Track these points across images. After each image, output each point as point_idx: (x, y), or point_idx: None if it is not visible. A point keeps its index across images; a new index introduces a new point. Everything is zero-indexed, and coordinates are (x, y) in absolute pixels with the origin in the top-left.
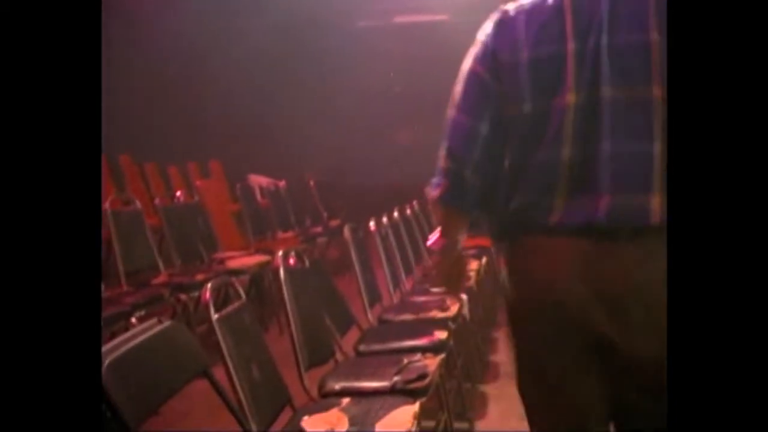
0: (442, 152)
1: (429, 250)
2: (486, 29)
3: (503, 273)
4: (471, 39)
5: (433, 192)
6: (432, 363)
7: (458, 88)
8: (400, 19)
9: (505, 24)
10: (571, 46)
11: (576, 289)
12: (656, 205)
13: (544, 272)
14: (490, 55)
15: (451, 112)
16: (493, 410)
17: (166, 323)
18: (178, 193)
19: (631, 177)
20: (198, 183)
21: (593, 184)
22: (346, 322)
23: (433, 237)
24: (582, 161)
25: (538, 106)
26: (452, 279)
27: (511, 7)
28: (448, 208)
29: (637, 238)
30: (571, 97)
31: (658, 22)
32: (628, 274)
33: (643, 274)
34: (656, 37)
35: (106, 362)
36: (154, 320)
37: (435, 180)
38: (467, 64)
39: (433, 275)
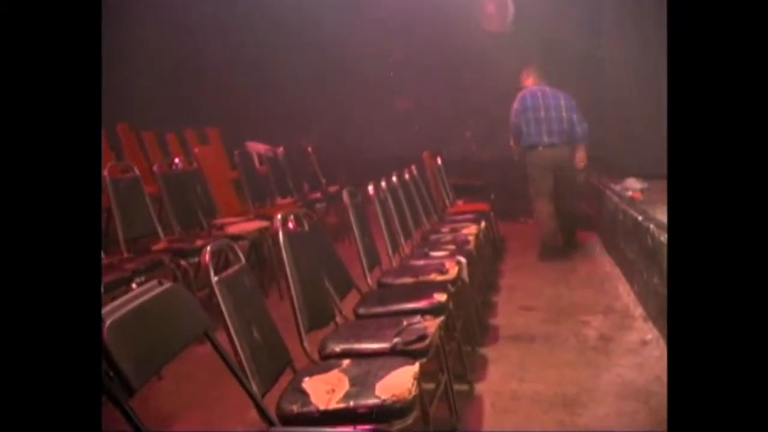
0: (510, 129)
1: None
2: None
3: (527, 160)
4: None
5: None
6: (431, 325)
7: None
8: None
9: (524, 96)
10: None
11: (548, 159)
12: (570, 135)
13: (539, 157)
14: (521, 102)
15: (511, 118)
16: (493, 372)
17: (167, 284)
18: (177, 160)
19: (563, 132)
20: (196, 150)
21: (552, 133)
22: (345, 285)
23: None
24: (550, 128)
25: (535, 116)
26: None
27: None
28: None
29: (566, 146)
30: (542, 113)
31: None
32: (564, 157)
33: (566, 157)
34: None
35: (107, 323)
36: (154, 282)
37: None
38: (515, 104)
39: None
